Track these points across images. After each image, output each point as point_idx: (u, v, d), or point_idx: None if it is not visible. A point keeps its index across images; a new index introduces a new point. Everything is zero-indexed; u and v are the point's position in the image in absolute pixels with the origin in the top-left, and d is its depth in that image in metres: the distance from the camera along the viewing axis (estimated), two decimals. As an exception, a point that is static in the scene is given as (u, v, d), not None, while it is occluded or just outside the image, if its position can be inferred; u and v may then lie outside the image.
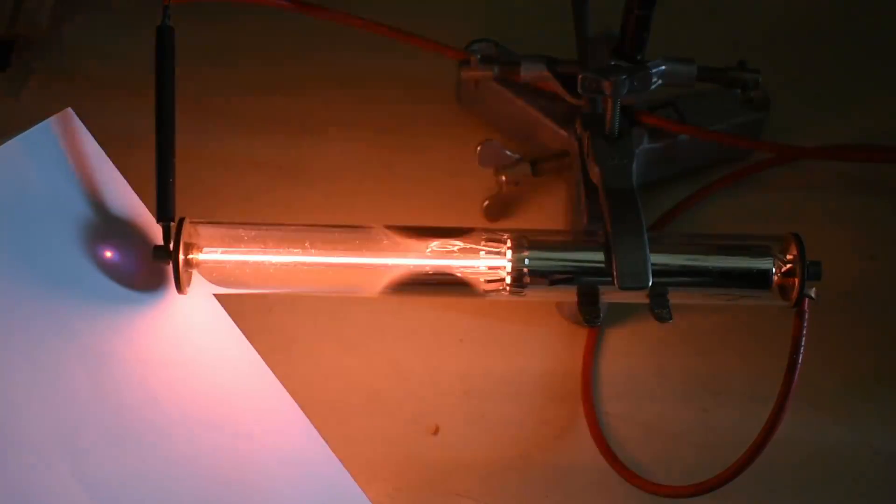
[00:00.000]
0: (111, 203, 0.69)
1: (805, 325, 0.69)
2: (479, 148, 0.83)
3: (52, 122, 0.67)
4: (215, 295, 0.71)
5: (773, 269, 0.70)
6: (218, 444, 0.67)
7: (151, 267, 0.69)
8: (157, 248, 0.68)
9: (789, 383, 0.68)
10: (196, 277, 0.69)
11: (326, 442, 0.72)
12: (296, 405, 0.70)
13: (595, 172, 0.75)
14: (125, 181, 0.70)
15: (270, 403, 0.70)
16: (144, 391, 0.66)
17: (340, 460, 0.75)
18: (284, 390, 0.70)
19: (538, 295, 0.71)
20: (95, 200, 0.68)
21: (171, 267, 0.67)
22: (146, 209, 0.70)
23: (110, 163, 0.70)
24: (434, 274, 0.70)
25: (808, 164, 0.88)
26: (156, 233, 0.69)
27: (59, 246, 0.66)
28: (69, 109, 0.68)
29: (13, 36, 0.92)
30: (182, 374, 0.68)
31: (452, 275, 0.70)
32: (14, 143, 0.66)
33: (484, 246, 0.70)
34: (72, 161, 0.68)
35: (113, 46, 0.93)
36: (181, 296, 0.69)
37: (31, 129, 0.67)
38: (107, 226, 0.68)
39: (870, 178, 0.88)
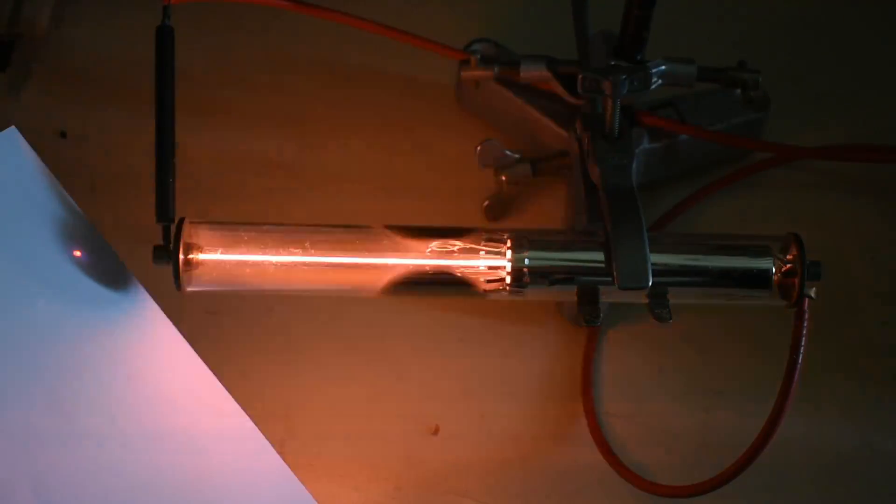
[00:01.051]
0: (58, 220, 0.68)
1: (805, 325, 0.69)
2: (479, 148, 0.83)
3: None
4: (217, 291, 0.71)
5: (773, 269, 0.70)
6: (173, 460, 0.66)
7: (101, 283, 0.68)
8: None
9: (789, 383, 0.68)
10: (193, 278, 0.70)
11: (325, 440, 0.73)
12: (250, 420, 0.69)
13: (595, 172, 0.75)
14: (68, 196, 0.69)
15: (224, 419, 0.69)
16: (101, 406, 0.65)
17: (340, 460, 0.75)
18: (238, 406, 0.69)
19: (538, 295, 0.71)
20: (39, 214, 0.67)
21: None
22: (93, 227, 0.69)
23: (54, 179, 0.69)
24: (434, 274, 0.70)
25: (808, 164, 0.88)
26: (101, 248, 0.68)
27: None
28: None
29: (13, 36, 0.92)
30: (135, 389, 0.67)
31: (452, 275, 0.70)
32: None
33: (484, 246, 0.70)
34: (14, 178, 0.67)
35: (113, 46, 0.93)
36: (130, 314, 0.68)
37: None
38: (52, 240, 0.67)
39: (870, 178, 0.88)
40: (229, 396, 0.69)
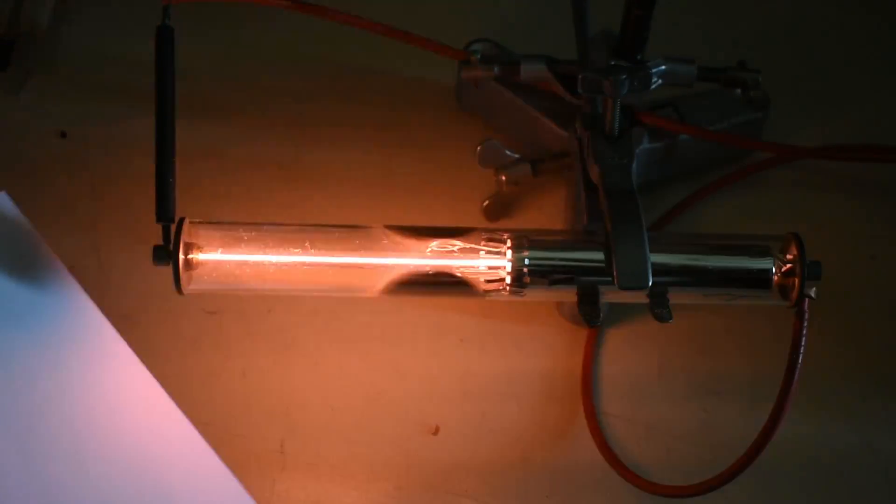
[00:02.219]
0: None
1: (805, 325, 0.69)
2: (479, 148, 0.83)
3: None
4: (218, 291, 0.71)
5: (773, 269, 0.70)
6: (139, 491, 0.66)
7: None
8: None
9: (789, 383, 0.68)
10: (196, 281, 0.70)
11: (324, 440, 0.72)
12: (210, 449, 0.68)
13: (595, 172, 0.75)
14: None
15: (184, 450, 0.68)
16: (71, 439, 0.66)
17: (340, 460, 0.75)
18: (195, 431, 0.68)
19: (538, 295, 0.71)
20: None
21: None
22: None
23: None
24: (434, 274, 0.70)
25: (808, 164, 0.88)
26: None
27: None
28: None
29: (13, 36, 0.92)
30: (99, 423, 0.68)
31: (452, 275, 0.70)
32: None
33: (484, 246, 0.70)
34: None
35: (113, 46, 0.93)
36: (95, 351, 0.69)
37: None
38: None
39: (870, 178, 0.88)
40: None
